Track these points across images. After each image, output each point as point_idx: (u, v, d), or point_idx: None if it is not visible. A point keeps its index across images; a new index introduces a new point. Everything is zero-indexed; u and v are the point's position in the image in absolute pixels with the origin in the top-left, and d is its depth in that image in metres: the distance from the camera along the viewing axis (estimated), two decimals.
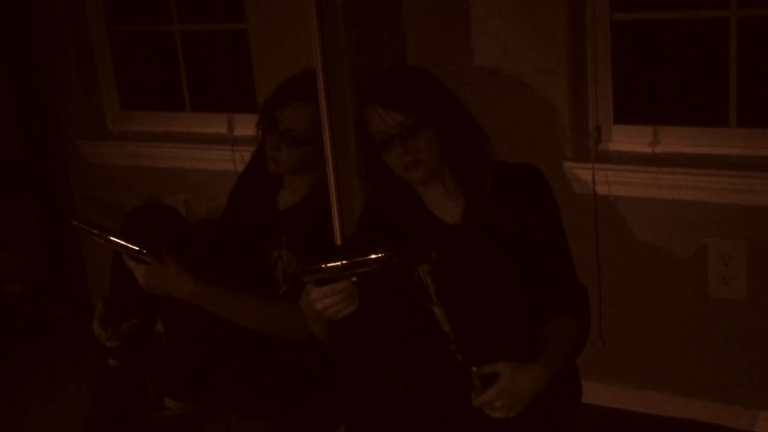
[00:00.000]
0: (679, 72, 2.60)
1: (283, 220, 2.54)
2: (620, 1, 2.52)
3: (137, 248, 2.31)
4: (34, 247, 3.56)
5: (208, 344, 2.42)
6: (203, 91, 3.33)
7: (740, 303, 2.46)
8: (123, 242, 2.33)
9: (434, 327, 2.20)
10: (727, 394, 2.54)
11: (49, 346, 3.38)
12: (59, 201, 3.55)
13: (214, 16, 3.25)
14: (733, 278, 2.45)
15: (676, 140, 2.54)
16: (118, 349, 2.51)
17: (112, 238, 2.33)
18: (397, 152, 2.10)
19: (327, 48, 2.34)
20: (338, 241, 2.42)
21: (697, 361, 2.56)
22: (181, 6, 3.25)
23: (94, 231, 2.35)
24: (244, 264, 2.52)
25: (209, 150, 3.19)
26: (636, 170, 2.50)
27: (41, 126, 3.48)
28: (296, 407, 2.52)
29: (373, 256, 1.85)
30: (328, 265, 1.89)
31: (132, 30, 3.43)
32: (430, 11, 2.60)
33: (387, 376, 2.08)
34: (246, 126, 2.82)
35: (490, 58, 2.57)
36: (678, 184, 2.45)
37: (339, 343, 2.14)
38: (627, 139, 2.59)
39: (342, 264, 1.88)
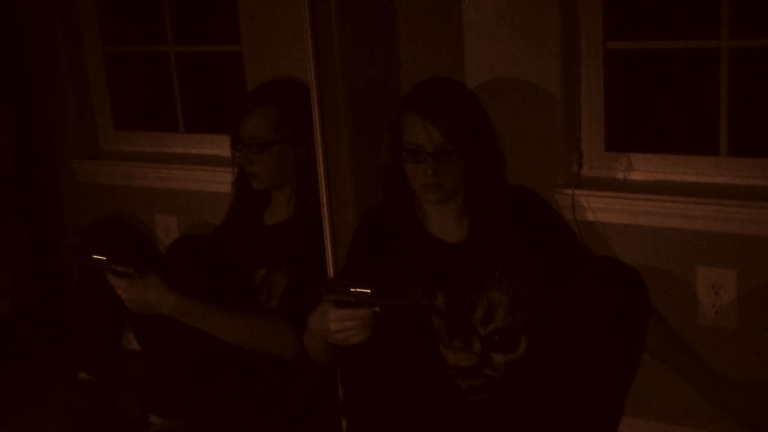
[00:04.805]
0: (671, 100, 2.62)
1: (271, 236, 2.55)
2: (613, 29, 2.54)
3: (123, 263, 2.32)
4: (24, 267, 3.55)
5: (195, 361, 2.41)
6: (197, 112, 3.34)
7: (729, 332, 2.47)
8: (106, 258, 2.34)
9: (438, 357, 2.20)
10: (715, 423, 2.53)
11: (38, 366, 3.37)
12: (50, 221, 3.54)
13: (209, 38, 3.27)
14: (722, 307, 2.45)
15: (667, 168, 2.55)
16: (89, 362, 2.53)
17: (95, 257, 2.35)
18: (425, 170, 2.09)
19: (321, 68, 2.36)
20: (329, 256, 2.41)
21: (685, 389, 2.56)
22: (177, 27, 3.26)
23: (79, 255, 2.38)
24: (225, 282, 2.52)
25: (202, 171, 3.19)
26: (626, 198, 2.50)
27: (34, 145, 3.48)
28: (285, 426, 2.51)
29: (404, 291, 1.82)
30: (357, 290, 1.86)
31: (126, 50, 3.44)
32: (424, 33, 2.61)
33: (392, 403, 2.06)
34: None
35: (482, 81, 2.58)
36: (668, 212, 2.46)
37: (346, 369, 2.14)
38: (618, 166, 2.60)
39: (371, 292, 1.85)
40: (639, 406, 2.61)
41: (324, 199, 2.39)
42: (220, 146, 3.15)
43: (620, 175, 2.60)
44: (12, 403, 3.10)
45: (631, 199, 2.50)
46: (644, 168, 2.57)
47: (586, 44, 2.53)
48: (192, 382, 2.43)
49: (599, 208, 2.54)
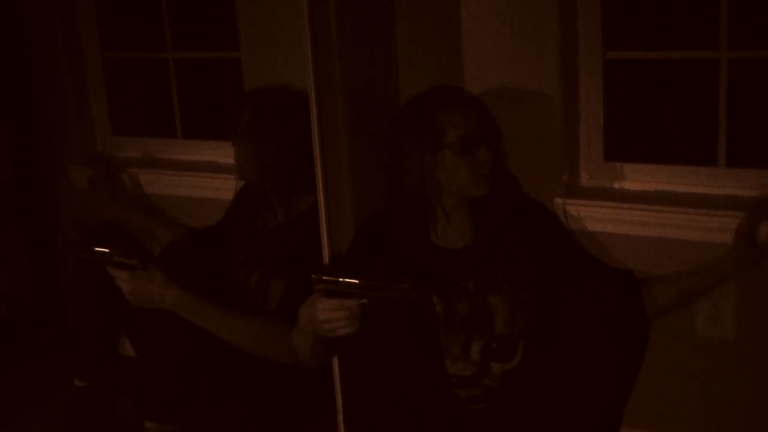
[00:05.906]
0: (670, 111, 2.61)
1: (267, 240, 2.55)
2: (613, 39, 2.53)
3: (126, 254, 2.31)
4: (22, 271, 3.55)
5: (190, 365, 2.41)
6: (195, 118, 3.34)
7: (728, 342, 2.46)
8: (109, 250, 2.32)
9: (439, 366, 2.20)
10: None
11: (35, 369, 3.37)
12: (48, 225, 3.54)
13: (208, 44, 3.27)
14: (720, 317, 2.45)
15: (666, 178, 2.55)
16: (85, 368, 2.54)
17: (97, 249, 2.33)
18: (478, 159, 2.12)
19: (320, 70, 2.36)
20: (326, 260, 2.41)
21: (684, 399, 2.56)
22: (176, 33, 3.26)
23: (80, 249, 2.37)
24: (219, 285, 2.51)
25: (200, 177, 3.19)
26: (625, 208, 2.50)
27: (32, 149, 3.48)
28: (283, 429, 2.51)
29: (393, 284, 1.82)
30: (345, 279, 1.87)
31: (125, 56, 3.44)
32: (423, 36, 2.61)
33: (392, 411, 2.06)
34: None
35: (481, 87, 2.57)
36: (667, 223, 2.46)
37: (347, 374, 2.14)
38: (617, 175, 2.60)
39: (359, 282, 1.86)
40: (635, 415, 2.62)
41: (321, 202, 2.38)
42: (218, 153, 3.15)
43: (619, 185, 2.60)
44: (10, 405, 3.10)
45: (630, 209, 2.50)
46: (643, 178, 2.57)
47: (585, 53, 2.53)
48: (187, 386, 2.42)
49: (598, 218, 2.54)
